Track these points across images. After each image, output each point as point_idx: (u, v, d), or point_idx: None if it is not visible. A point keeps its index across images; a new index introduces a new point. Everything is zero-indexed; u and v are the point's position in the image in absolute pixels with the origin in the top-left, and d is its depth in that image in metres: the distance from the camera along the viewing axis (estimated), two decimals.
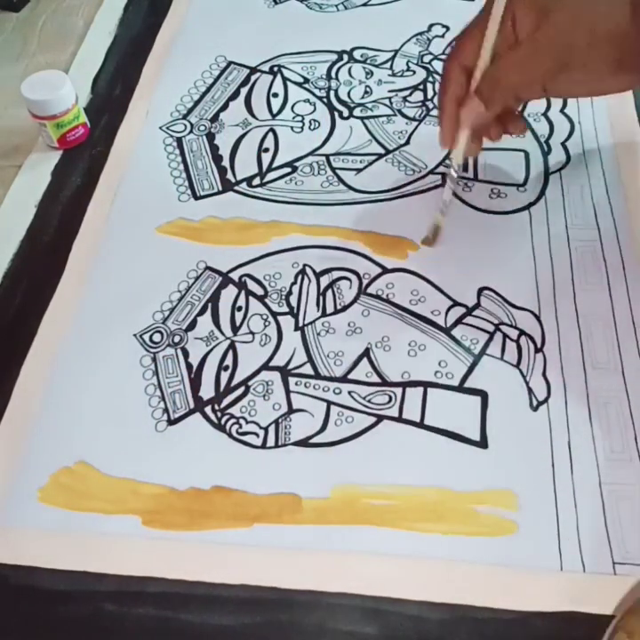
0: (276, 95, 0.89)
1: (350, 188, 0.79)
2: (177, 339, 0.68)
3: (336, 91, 0.89)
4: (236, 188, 0.80)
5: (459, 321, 0.68)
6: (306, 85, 0.90)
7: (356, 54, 0.93)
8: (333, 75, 0.91)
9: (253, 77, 0.91)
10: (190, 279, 0.72)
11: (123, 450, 0.62)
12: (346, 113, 0.86)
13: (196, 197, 0.79)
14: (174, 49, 0.95)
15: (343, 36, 0.95)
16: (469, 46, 0.62)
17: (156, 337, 0.68)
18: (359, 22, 0.97)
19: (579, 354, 0.65)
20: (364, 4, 0.99)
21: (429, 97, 0.87)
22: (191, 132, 0.85)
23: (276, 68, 0.92)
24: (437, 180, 0.79)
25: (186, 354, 0.67)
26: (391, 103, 0.87)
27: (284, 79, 0.91)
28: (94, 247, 0.75)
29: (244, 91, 0.90)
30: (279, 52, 0.94)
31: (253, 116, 0.87)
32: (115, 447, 0.62)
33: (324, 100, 0.88)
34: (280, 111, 0.87)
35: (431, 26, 0.95)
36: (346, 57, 0.93)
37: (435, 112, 0.85)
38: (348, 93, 0.88)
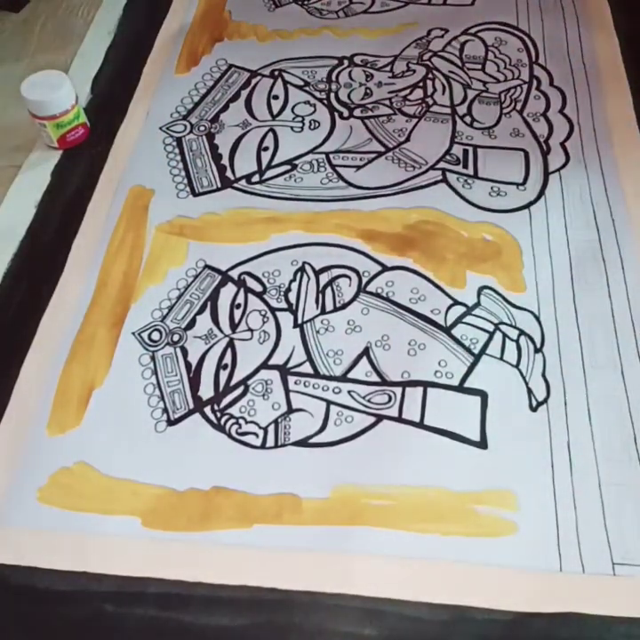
0: (276, 97, 0.89)
1: (350, 184, 0.79)
2: (176, 337, 0.68)
3: (336, 93, 0.89)
4: (236, 185, 0.80)
5: (459, 320, 0.68)
6: (306, 88, 0.90)
7: (357, 59, 0.93)
8: (334, 78, 0.90)
9: (254, 80, 0.91)
10: (189, 277, 0.72)
11: (122, 450, 0.62)
12: (346, 113, 0.86)
13: (195, 194, 0.79)
14: (174, 49, 0.95)
15: (344, 43, 0.95)
16: None
17: (155, 335, 0.68)
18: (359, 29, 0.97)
19: (578, 354, 0.65)
20: (365, 11, 0.99)
21: (429, 93, 0.87)
22: (191, 131, 0.85)
23: (276, 72, 0.92)
24: (438, 176, 0.79)
25: (185, 352, 0.67)
26: (391, 103, 0.87)
27: (285, 82, 0.91)
28: (93, 247, 0.75)
29: (244, 93, 0.90)
30: (279, 57, 0.94)
31: (253, 116, 0.87)
32: (114, 447, 0.62)
33: (325, 101, 0.88)
34: (280, 112, 0.87)
35: (430, 31, 0.95)
36: (346, 62, 0.92)
37: (435, 108, 0.86)
38: (349, 95, 0.88)
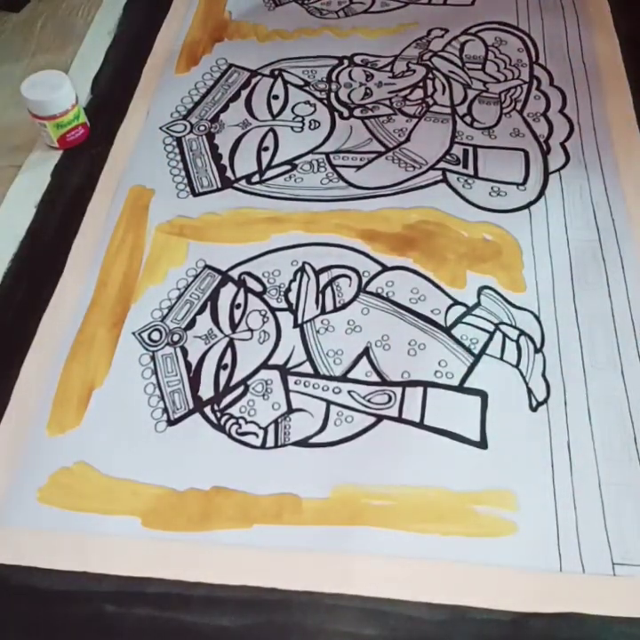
0: (276, 97, 0.89)
1: (350, 184, 0.79)
2: (176, 337, 0.68)
3: (336, 93, 0.89)
4: (236, 185, 0.80)
5: (459, 320, 0.68)
6: (306, 88, 0.90)
7: (357, 59, 0.93)
8: (334, 78, 0.90)
9: (254, 80, 0.91)
10: (189, 277, 0.72)
11: (122, 450, 0.62)
12: (346, 113, 0.86)
13: (195, 194, 0.79)
14: (174, 50, 0.95)
15: (344, 43, 0.95)
16: None
17: (155, 335, 0.68)
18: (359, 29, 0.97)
19: (578, 354, 0.65)
20: (365, 11, 0.99)
21: (429, 93, 0.87)
22: (191, 131, 0.85)
23: (276, 72, 0.92)
24: (438, 176, 0.79)
25: (185, 352, 0.67)
26: (391, 103, 0.87)
27: (285, 82, 0.91)
28: (93, 247, 0.75)
29: (244, 93, 0.90)
30: (279, 57, 0.94)
31: (253, 116, 0.87)
32: (114, 447, 0.62)
33: (325, 101, 0.88)
34: (280, 112, 0.87)
35: (431, 31, 0.95)
36: (346, 62, 0.92)
37: (435, 108, 0.86)
38: (349, 95, 0.88)
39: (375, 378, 0.65)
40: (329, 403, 0.63)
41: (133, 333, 0.69)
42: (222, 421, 0.63)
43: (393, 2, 1.00)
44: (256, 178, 0.80)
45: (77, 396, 0.65)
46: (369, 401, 0.63)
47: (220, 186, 0.80)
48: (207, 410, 0.64)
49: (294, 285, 0.71)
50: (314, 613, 0.53)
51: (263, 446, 0.62)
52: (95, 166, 0.83)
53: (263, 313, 0.69)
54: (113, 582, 0.55)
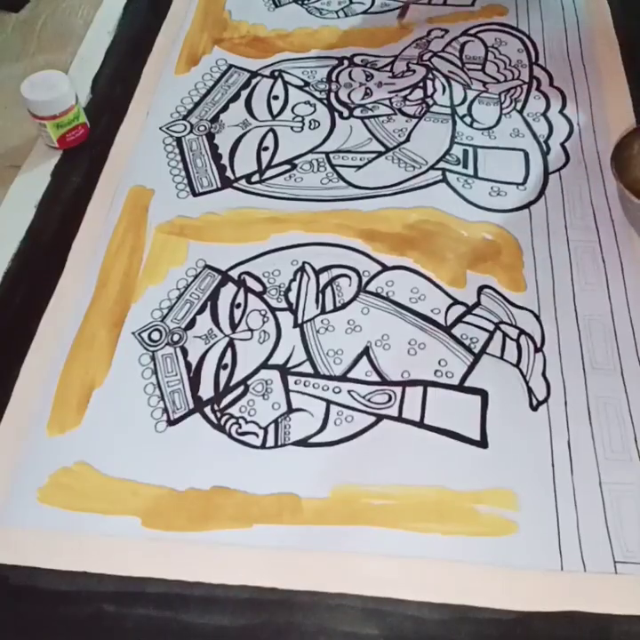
0: (276, 98, 0.89)
1: (350, 184, 0.79)
2: (176, 337, 0.68)
3: (336, 93, 0.89)
4: (235, 184, 0.80)
5: (459, 319, 0.68)
6: (306, 88, 0.90)
7: (357, 59, 0.93)
8: (334, 78, 0.91)
9: (254, 81, 0.91)
10: (189, 277, 0.72)
11: (122, 450, 0.62)
12: (346, 113, 0.86)
13: (195, 194, 0.79)
14: (174, 49, 0.95)
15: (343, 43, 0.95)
16: None
17: (155, 335, 0.68)
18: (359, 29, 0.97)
19: (578, 354, 0.65)
20: (365, 12, 0.99)
21: (429, 94, 0.87)
22: (191, 132, 0.85)
23: (276, 73, 0.92)
24: (438, 176, 0.79)
25: (185, 352, 0.67)
26: (391, 103, 0.87)
27: (285, 83, 0.91)
28: (93, 247, 0.75)
29: (244, 93, 0.90)
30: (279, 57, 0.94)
31: (254, 116, 0.87)
32: (114, 447, 0.62)
33: (325, 101, 0.88)
34: (280, 112, 0.87)
35: (430, 31, 0.95)
36: (346, 62, 0.92)
37: (435, 108, 0.86)
38: (349, 95, 0.88)
39: (375, 377, 0.65)
40: (329, 402, 0.63)
41: (133, 333, 0.69)
42: (222, 421, 0.63)
43: (393, 2, 1.00)
44: (256, 177, 0.80)
45: (77, 396, 0.65)
46: (369, 400, 0.63)
47: (219, 186, 0.80)
48: (207, 410, 0.64)
49: (294, 285, 0.71)
50: (314, 613, 0.53)
51: (263, 446, 0.61)
52: (95, 166, 0.83)
53: (263, 313, 0.69)
54: (113, 582, 0.55)
